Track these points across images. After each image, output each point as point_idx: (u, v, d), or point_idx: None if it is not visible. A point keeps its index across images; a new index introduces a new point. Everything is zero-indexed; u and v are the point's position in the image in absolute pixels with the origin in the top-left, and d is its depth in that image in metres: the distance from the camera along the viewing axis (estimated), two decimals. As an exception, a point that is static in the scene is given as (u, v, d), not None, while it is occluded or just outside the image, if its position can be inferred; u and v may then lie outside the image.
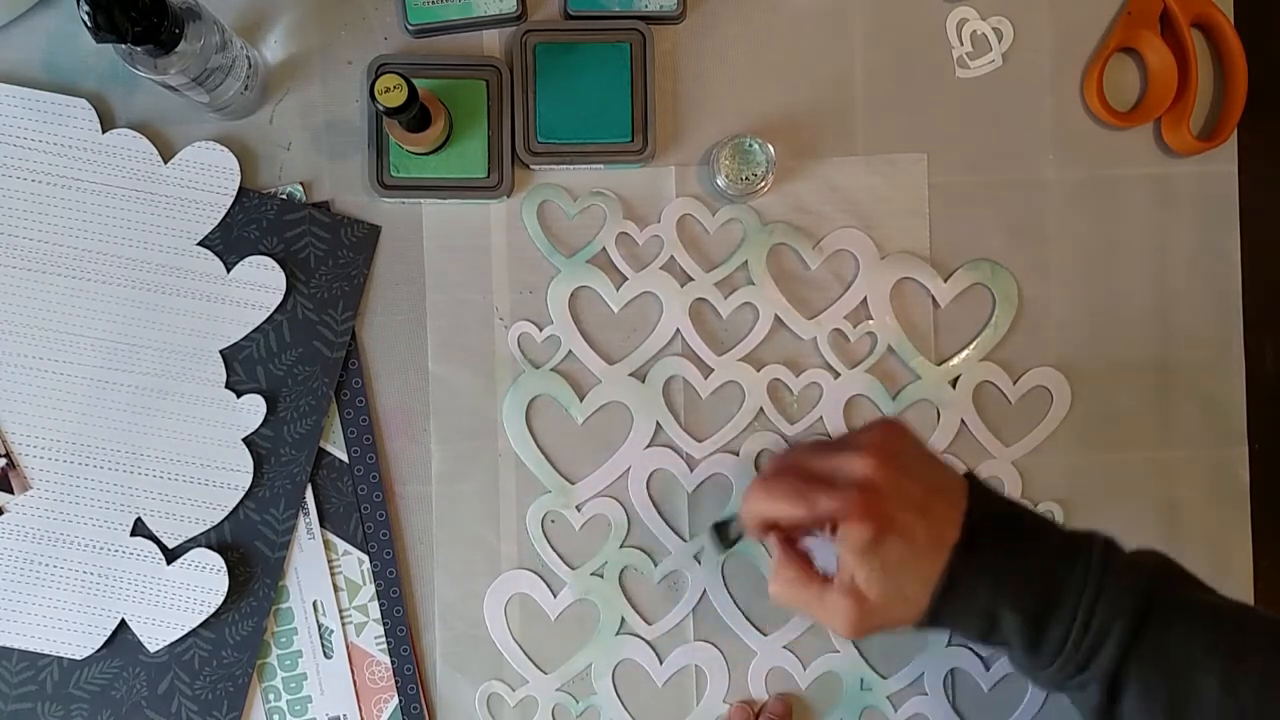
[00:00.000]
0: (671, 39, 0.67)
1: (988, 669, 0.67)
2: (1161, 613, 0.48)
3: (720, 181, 0.64)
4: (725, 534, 0.60)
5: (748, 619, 0.66)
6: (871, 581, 0.49)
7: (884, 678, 0.67)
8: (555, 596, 0.66)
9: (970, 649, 0.67)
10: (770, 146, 0.64)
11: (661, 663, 0.66)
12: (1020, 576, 0.49)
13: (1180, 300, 0.68)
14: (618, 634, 0.66)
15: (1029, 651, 0.49)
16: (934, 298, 0.67)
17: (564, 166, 0.65)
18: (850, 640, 0.65)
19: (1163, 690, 0.48)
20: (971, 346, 0.67)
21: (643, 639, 0.66)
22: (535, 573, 0.66)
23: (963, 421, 0.67)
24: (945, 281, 0.67)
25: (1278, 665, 0.47)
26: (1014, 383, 0.67)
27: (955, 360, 0.67)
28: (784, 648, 0.66)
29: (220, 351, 0.64)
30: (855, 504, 0.49)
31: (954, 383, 0.67)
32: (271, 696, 0.65)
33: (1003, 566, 0.49)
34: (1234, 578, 0.68)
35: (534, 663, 0.66)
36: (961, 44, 0.68)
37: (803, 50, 0.67)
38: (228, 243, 0.64)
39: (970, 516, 0.50)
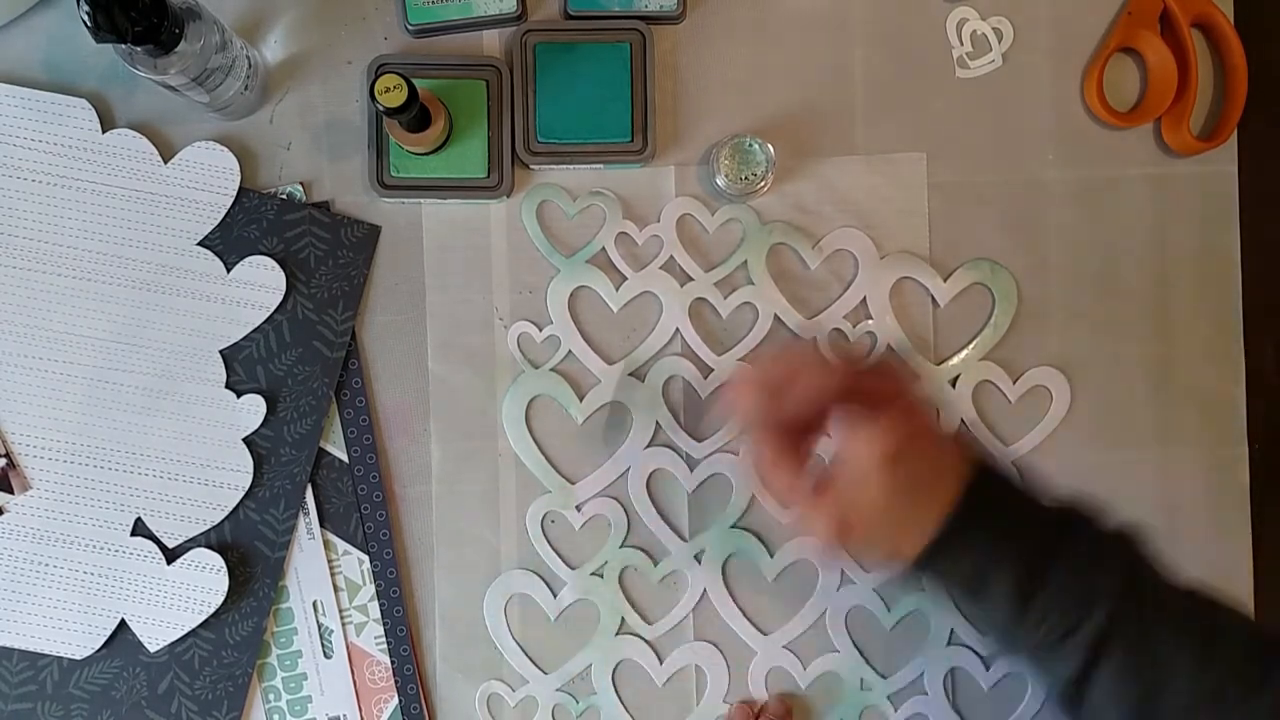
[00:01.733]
0: (671, 39, 0.67)
1: (988, 668, 0.67)
2: (1143, 588, 0.49)
3: (720, 181, 0.64)
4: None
5: (748, 618, 0.66)
6: (879, 493, 0.49)
7: (884, 677, 0.67)
8: (555, 596, 0.66)
9: (969, 647, 0.67)
10: (770, 146, 0.64)
11: (661, 662, 0.66)
12: (1018, 534, 0.49)
13: (1180, 300, 0.68)
14: (618, 634, 0.66)
15: (1016, 612, 0.49)
16: (933, 297, 0.67)
17: (564, 166, 0.65)
18: (825, 551, 0.61)
19: (1139, 664, 0.48)
20: (971, 346, 0.67)
21: (643, 639, 0.66)
22: (535, 573, 0.66)
23: (963, 421, 0.67)
24: (945, 281, 0.67)
25: (1246, 660, 0.48)
26: (1014, 382, 0.67)
27: (955, 360, 0.67)
28: (784, 647, 0.66)
29: (220, 351, 0.64)
30: (895, 406, 0.49)
31: (954, 382, 0.67)
32: (271, 696, 0.65)
33: (1002, 522, 0.50)
34: (1234, 578, 0.68)
35: (534, 663, 0.66)
36: (961, 44, 0.68)
37: (803, 50, 0.67)
38: (228, 243, 0.64)
39: (977, 472, 0.50)
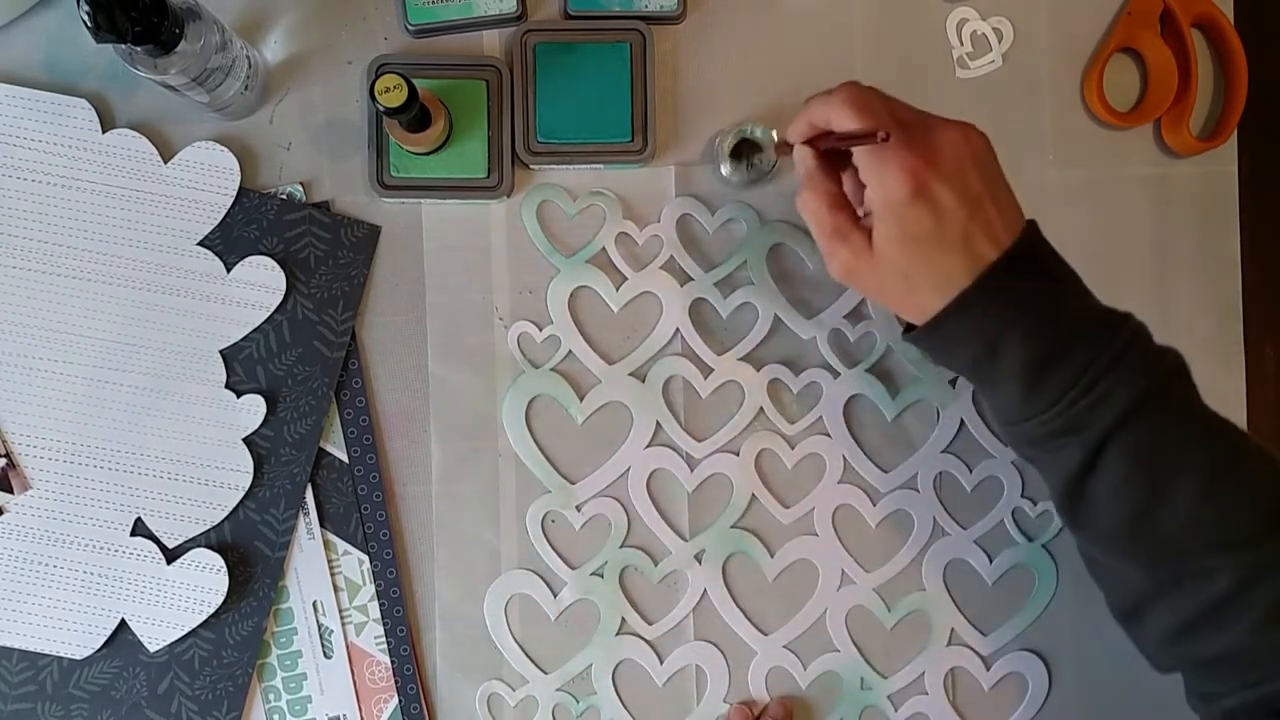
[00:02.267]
0: (671, 39, 0.67)
1: (988, 668, 0.67)
2: (1168, 403, 0.47)
3: (725, 170, 0.64)
4: (744, 151, 0.60)
5: (748, 618, 0.66)
6: (888, 241, 0.48)
7: (884, 677, 0.67)
8: (555, 596, 0.66)
9: (969, 647, 0.67)
10: (774, 133, 0.64)
11: (662, 662, 0.66)
12: (1044, 312, 0.48)
13: (1180, 300, 0.68)
14: (618, 634, 0.66)
15: (1024, 391, 0.47)
16: (934, 297, 0.67)
17: (564, 166, 0.65)
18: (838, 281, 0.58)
19: (1143, 475, 0.47)
20: (971, 346, 0.67)
21: (643, 639, 0.66)
22: (535, 573, 0.66)
23: (962, 421, 0.67)
24: (945, 281, 0.67)
25: (1252, 490, 0.47)
26: (1014, 382, 0.67)
27: (955, 360, 0.67)
28: (784, 647, 0.66)
29: (220, 351, 0.64)
30: (909, 155, 0.47)
31: (953, 382, 0.67)
32: (271, 696, 0.65)
33: (1029, 297, 0.48)
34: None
35: (534, 663, 0.66)
36: (961, 44, 0.68)
37: (803, 50, 0.67)
38: (228, 243, 0.64)
39: (1017, 244, 0.48)
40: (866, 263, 0.49)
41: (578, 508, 0.66)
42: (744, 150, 0.64)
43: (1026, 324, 0.47)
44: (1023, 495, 0.67)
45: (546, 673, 0.66)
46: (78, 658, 0.63)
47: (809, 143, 0.53)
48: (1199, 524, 0.47)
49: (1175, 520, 0.47)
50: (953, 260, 0.48)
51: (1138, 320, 0.50)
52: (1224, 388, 0.69)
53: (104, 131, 0.63)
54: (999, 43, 0.68)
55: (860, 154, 0.49)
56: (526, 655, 0.66)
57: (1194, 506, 0.47)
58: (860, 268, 0.50)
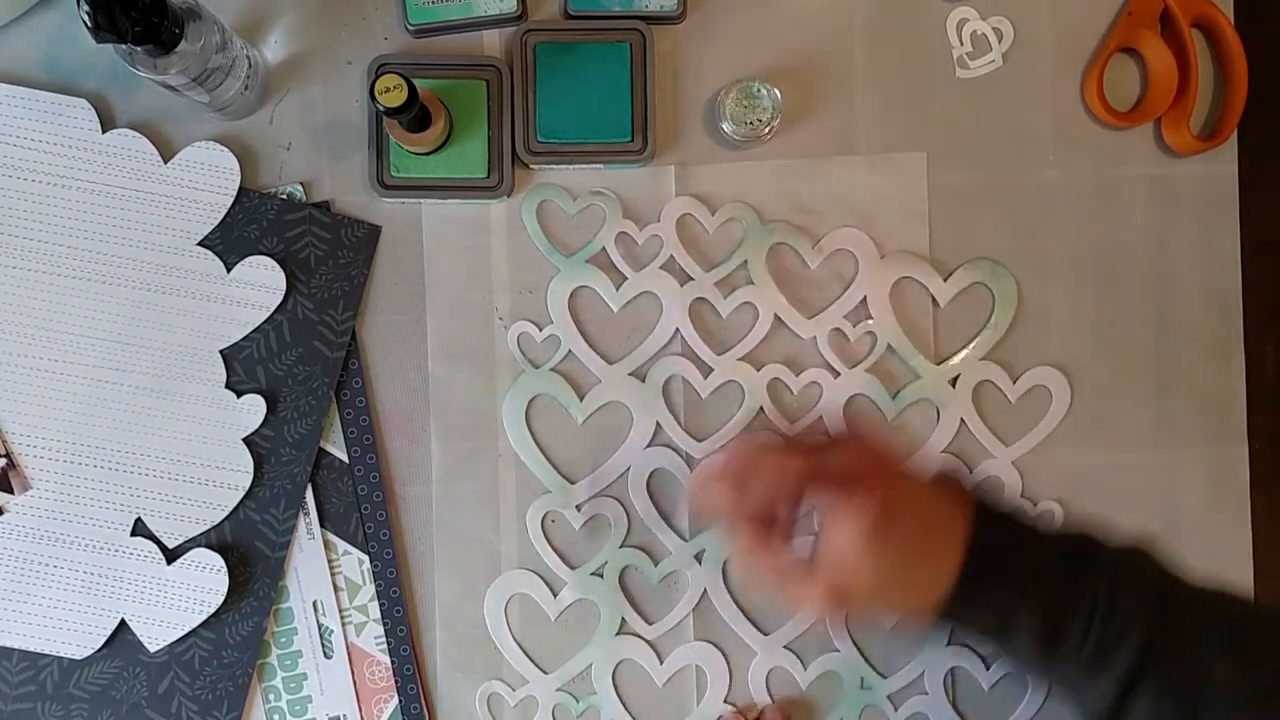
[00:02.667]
0: (671, 39, 0.67)
1: (988, 668, 0.67)
2: (1174, 608, 0.49)
3: (726, 127, 0.64)
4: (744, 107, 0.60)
5: (748, 618, 0.66)
6: (871, 569, 0.49)
7: (884, 677, 0.67)
8: (555, 596, 0.66)
9: (969, 647, 0.67)
10: (776, 90, 0.64)
11: (662, 662, 0.66)
12: (1036, 572, 0.49)
13: (1180, 300, 0.68)
14: (618, 634, 0.66)
15: (1044, 648, 0.49)
16: (933, 297, 0.67)
17: (564, 166, 0.65)
18: (827, 622, 0.62)
19: (1178, 683, 0.47)
20: (971, 346, 0.67)
21: (643, 639, 0.66)
22: (535, 573, 0.66)
23: (963, 421, 0.67)
24: (945, 281, 0.67)
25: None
26: (1014, 382, 0.67)
27: (955, 359, 0.67)
28: (785, 647, 0.66)
29: (220, 351, 0.64)
30: (868, 477, 0.48)
31: (954, 382, 0.67)
32: (271, 696, 0.65)
33: (1016, 565, 0.49)
34: (1234, 578, 0.68)
35: (534, 663, 0.66)
36: (961, 44, 0.68)
37: (802, 50, 0.67)
38: (228, 243, 0.64)
39: (977, 516, 0.50)
40: (845, 591, 0.50)
41: (578, 507, 0.66)
42: (745, 106, 0.64)
43: (1020, 609, 0.49)
44: (1022, 495, 0.67)
45: (546, 673, 0.66)
46: (78, 658, 0.63)
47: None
48: (1243, 696, 0.48)
49: (1222, 708, 0.48)
50: (940, 551, 0.49)
51: (1091, 528, 0.51)
52: (1224, 388, 0.69)
53: (104, 131, 0.63)
54: (999, 43, 0.68)
55: (815, 508, 0.51)
56: (526, 655, 0.66)
57: (1233, 690, 0.48)
58: (841, 596, 0.50)
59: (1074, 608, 0.48)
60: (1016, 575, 0.49)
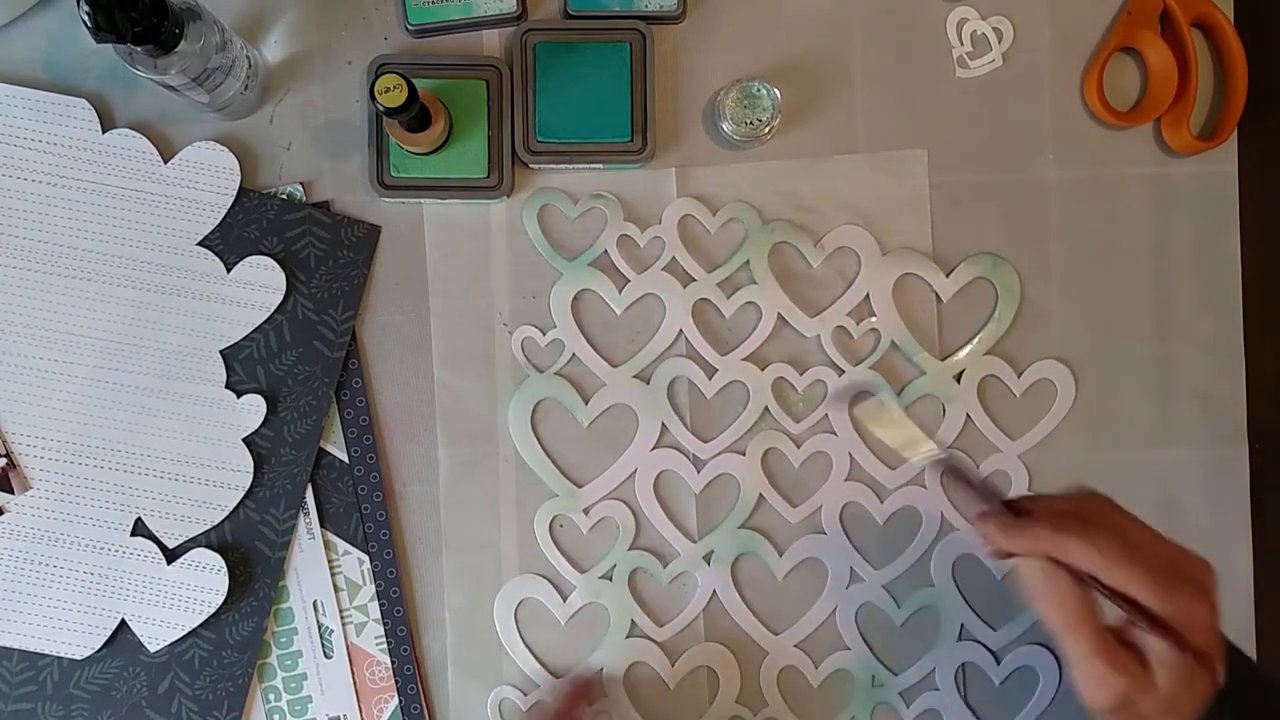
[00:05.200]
0: (671, 39, 0.67)
1: (999, 663, 0.67)
2: None
3: (726, 127, 0.64)
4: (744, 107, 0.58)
5: (758, 618, 0.66)
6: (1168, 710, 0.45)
7: (895, 674, 0.67)
8: (565, 600, 0.66)
9: (980, 642, 0.67)
10: (776, 90, 0.63)
11: (673, 664, 0.66)
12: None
13: (1180, 300, 0.68)
14: (628, 636, 0.66)
15: None
16: (936, 293, 0.67)
17: (564, 166, 0.65)
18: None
19: None
20: (975, 341, 0.67)
21: (653, 641, 0.66)
22: (544, 577, 0.66)
23: (968, 416, 0.67)
24: (947, 276, 0.67)
25: None
26: (1018, 376, 0.67)
27: (959, 355, 0.67)
28: (795, 646, 0.66)
29: (220, 351, 0.64)
30: (1208, 642, 0.44)
31: (958, 377, 0.67)
32: (271, 696, 0.65)
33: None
34: (1234, 578, 0.68)
35: (545, 667, 0.66)
36: (961, 44, 0.68)
37: (803, 50, 0.67)
38: (228, 243, 0.64)
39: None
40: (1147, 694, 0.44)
41: (585, 511, 0.66)
42: (745, 106, 0.64)
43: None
44: (1029, 490, 0.67)
45: (558, 677, 0.66)
46: (78, 658, 0.63)
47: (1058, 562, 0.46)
48: None
49: None
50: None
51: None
52: (1224, 388, 0.69)
53: (104, 131, 0.63)
54: (999, 42, 0.68)
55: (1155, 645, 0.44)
56: (537, 659, 0.66)
57: None
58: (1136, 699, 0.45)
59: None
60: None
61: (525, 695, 0.65)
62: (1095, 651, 0.44)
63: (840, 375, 0.66)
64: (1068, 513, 0.46)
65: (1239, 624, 0.68)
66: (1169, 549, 0.47)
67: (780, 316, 0.66)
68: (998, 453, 0.67)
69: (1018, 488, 0.67)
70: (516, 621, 0.66)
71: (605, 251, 0.66)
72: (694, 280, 0.66)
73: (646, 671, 0.66)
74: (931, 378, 0.67)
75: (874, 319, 0.67)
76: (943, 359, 0.67)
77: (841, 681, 0.67)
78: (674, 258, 0.66)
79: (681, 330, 0.66)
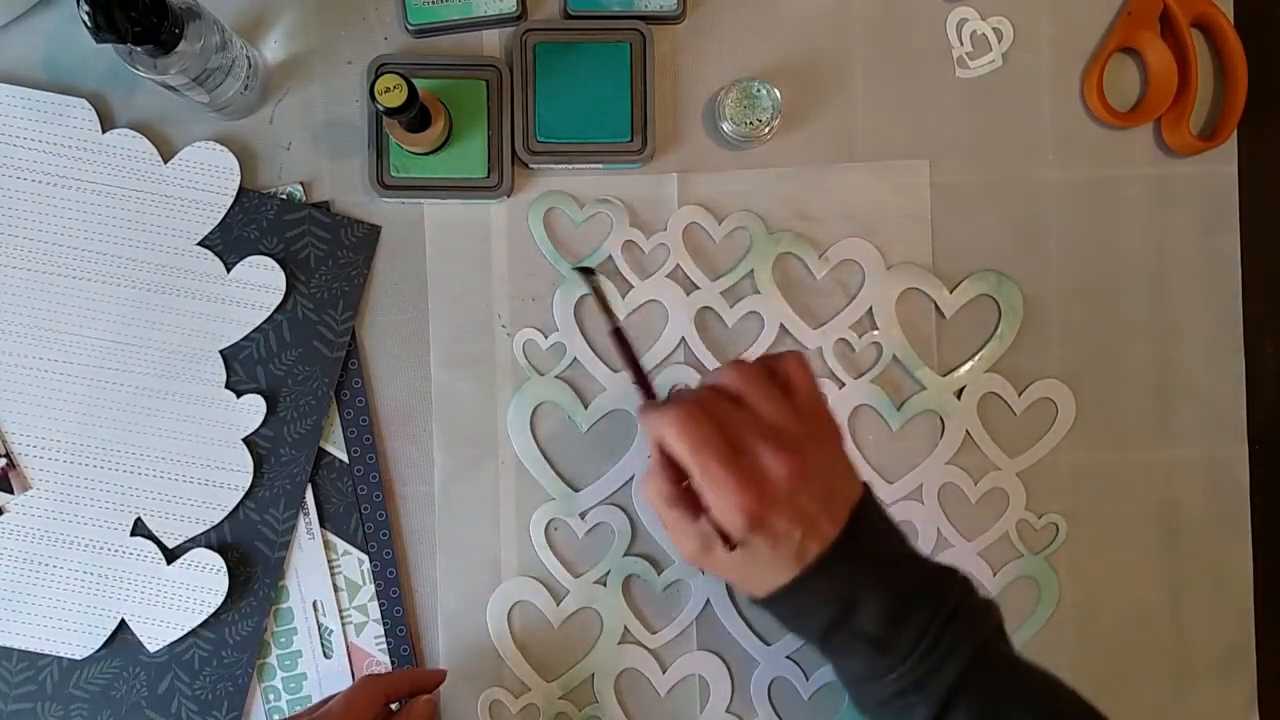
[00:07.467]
0: (671, 39, 0.67)
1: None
2: (999, 651, 0.51)
3: (726, 127, 0.64)
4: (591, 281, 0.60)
5: (751, 628, 0.66)
6: (730, 555, 0.50)
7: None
8: (558, 604, 0.66)
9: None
10: (776, 90, 0.63)
11: (664, 671, 0.66)
12: (889, 573, 0.50)
13: (1180, 300, 0.68)
14: (620, 642, 0.66)
15: (874, 651, 0.49)
16: (939, 308, 0.67)
17: (564, 166, 0.65)
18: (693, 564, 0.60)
19: (986, 715, 0.49)
20: (977, 358, 0.67)
21: (646, 647, 0.66)
22: (538, 580, 0.66)
23: (968, 433, 0.67)
24: (951, 292, 0.67)
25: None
26: (1019, 394, 0.67)
27: (960, 371, 0.67)
28: (787, 657, 0.66)
29: (220, 351, 0.64)
30: (741, 495, 0.49)
31: (959, 394, 0.67)
32: (271, 696, 0.65)
33: (874, 562, 0.51)
34: (1234, 578, 0.68)
35: (536, 670, 0.66)
36: (961, 44, 0.68)
37: (803, 51, 0.67)
38: (228, 243, 0.64)
39: (853, 519, 0.51)
40: (710, 556, 0.51)
41: (581, 515, 0.66)
42: (745, 106, 0.64)
43: (874, 586, 0.50)
44: (1026, 508, 0.67)
45: (549, 680, 0.66)
46: (78, 658, 0.63)
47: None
48: None
49: None
50: (791, 557, 0.50)
51: (962, 573, 0.52)
52: (1224, 388, 0.69)
53: (104, 131, 0.63)
54: (999, 43, 0.68)
55: (698, 483, 0.50)
56: (529, 663, 0.65)
57: None
58: (705, 560, 0.52)
59: (911, 614, 0.49)
60: (875, 564, 0.50)
61: (516, 698, 0.65)
62: (669, 525, 0.52)
63: (841, 388, 0.66)
64: (694, 400, 0.51)
65: (1239, 624, 0.68)
66: (748, 434, 0.50)
67: (782, 327, 0.66)
68: (996, 470, 0.67)
69: (1015, 504, 0.67)
70: (509, 623, 0.66)
71: (609, 257, 0.66)
72: (697, 288, 0.66)
73: (637, 678, 0.66)
74: (932, 393, 0.67)
75: (876, 333, 0.67)
76: (944, 375, 0.67)
77: (833, 693, 0.66)
78: (678, 265, 0.66)
79: (683, 338, 0.66)
